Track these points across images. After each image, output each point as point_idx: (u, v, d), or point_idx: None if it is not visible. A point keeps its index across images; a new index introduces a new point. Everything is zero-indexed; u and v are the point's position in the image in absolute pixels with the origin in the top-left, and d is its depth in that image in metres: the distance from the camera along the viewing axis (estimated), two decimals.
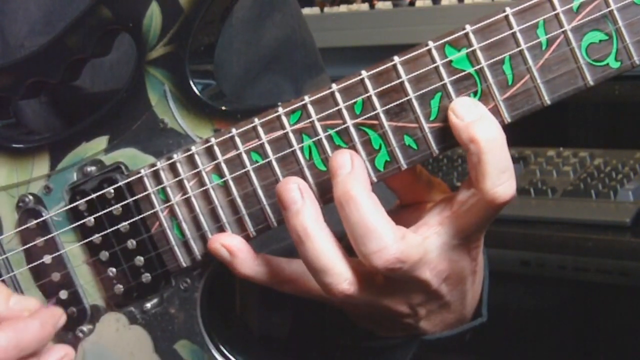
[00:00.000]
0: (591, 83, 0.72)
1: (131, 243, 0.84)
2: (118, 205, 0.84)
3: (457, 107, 0.73)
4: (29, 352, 0.79)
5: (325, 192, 0.78)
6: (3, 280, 0.88)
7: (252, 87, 1.05)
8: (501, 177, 0.71)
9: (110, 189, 0.84)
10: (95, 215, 0.84)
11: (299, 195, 0.74)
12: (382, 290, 0.77)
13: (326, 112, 0.77)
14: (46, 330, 0.81)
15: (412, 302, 0.78)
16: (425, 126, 0.75)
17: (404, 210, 0.83)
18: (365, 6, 1.92)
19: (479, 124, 0.72)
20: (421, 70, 0.75)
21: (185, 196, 0.82)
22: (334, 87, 0.77)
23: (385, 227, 0.72)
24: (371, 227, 0.72)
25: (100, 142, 0.85)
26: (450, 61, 0.74)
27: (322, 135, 0.77)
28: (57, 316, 0.83)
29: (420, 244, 0.74)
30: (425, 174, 0.81)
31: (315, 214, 0.74)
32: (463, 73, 0.74)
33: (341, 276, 0.74)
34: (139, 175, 0.83)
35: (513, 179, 0.72)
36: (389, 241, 0.72)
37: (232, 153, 0.80)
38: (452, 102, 0.73)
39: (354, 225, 0.72)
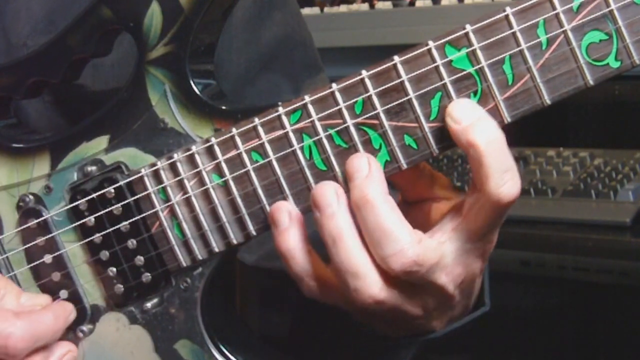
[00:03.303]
0: (591, 83, 0.72)
1: (131, 243, 0.84)
2: (118, 205, 0.84)
3: (454, 110, 0.73)
4: (43, 343, 0.81)
5: None
6: None
7: (251, 86, 1.05)
8: (504, 177, 0.72)
9: (111, 189, 0.84)
10: (95, 215, 0.85)
11: (335, 198, 0.74)
12: (404, 296, 0.77)
13: (326, 112, 0.77)
14: (59, 323, 0.83)
15: (427, 306, 0.79)
16: (426, 126, 0.75)
17: (408, 208, 0.83)
18: (365, 6, 1.92)
19: (477, 127, 0.72)
20: (421, 70, 0.75)
21: (186, 196, 0.82)
22: (334, 86, 0.77)
23: (402, 230, 0.73)
24: (388, 230, 0.72)
25: (101, 142, 0.85)
26: (451, 61, 0.74)
27: (322, 135, 0.77)
28: (69, 310, 0.85)
29: (436, 248, 0.74)
30: (428, 169, 0.81)
31: (350, 218, 0.74)
32: (463, 73, 0.74)
33: (372, 279, 0.74)
34: (139, 175, 0.83)
35: (516, 177, 0.73)
36: (406, 244, 0.72)
37: (233, 153, 0.80)
38: (449, 105, 0.73)
39: (372, 228, 0.73)
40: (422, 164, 0.80)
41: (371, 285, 0.74)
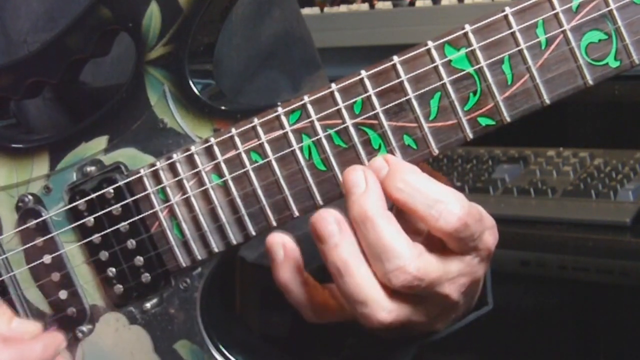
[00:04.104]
0: (590, 82, 0.72)
1: (131, 243, 0.84)
2: (118, 205, 0.84)
3: (372, 167, 0.74)
4: None
5: (325, 193, 0.78)
6: (2, 281, 0.88)
7: (250, 82, 1.05)
8: (435, 211, 0.72)
9: (110, 189, 0.84)
10: (94, 215, 0.84)
11: (336, 228, 0.74)
12: (410, 310, 0.77)
13: (325, 112, 0.77)
14: (48, 354, 0.81)
15: (431, 313, 0.79)
16: (425, 126, 0.75)
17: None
18: (365, 6, 1.92)
19: (387, 181, 0.73)
20: (420, 70, 0.75)
21: (185, 196, 0.82)
22: (334, 86, 0.77)
23: (402, 245, 0.73)
24: (388, 247, 0.72)
25: (100, 142, 0.85)
26: (450, 61, 0.74)
27: (321, 135, 0.77)
28: (59, 341, 0.83)
29: (437, 261, 0.74)
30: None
31: (354, 247, 0.74)
32: (462, 73, 0.74)
33: (380, 306, 0.74)
34: (138, 175, 0.83)
35: (451, 201, 0.72)
36: (407, 260, 0.72)
37: (232, 153, 0.80)
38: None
39: (372, 244, 0.73)
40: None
41: (379, 310, 0.74)
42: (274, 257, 0.77)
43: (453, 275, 0.75)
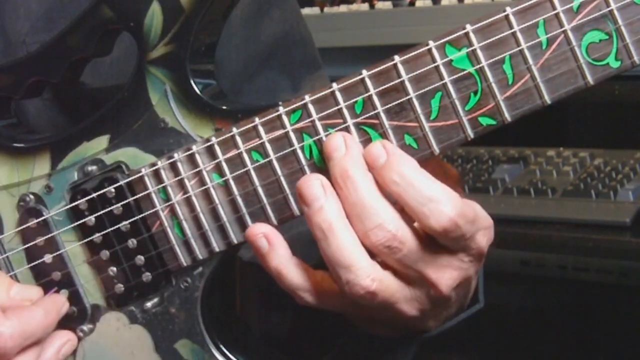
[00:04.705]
0: (591, 82, 0.73)
1: (132, 242, 0.84)
2: (119, 205, 0.84)
3: (370, 153, 0.74)
4: (34, 339, 0.80)
5: None
6: None
7: (250, 83, 1.06)
8: (426, 209, 0.72)
9: (111, 188, 0.84)
10: (95, 215, 0.85)
11: (322, 191, 0.74)
12: (398, 293, 0.77)
13: (327, 112, 0.77)
14: (50, 318, 0.82)
15: (424, 307, 0.79)
16: (426, 125, 0.75)
17: None
18: (365, 6, 1.92)
19: (383, 171, 0.73)
20: (421, 70, 0.75)
21: (186, 195, 0.82)
22: (335, 86, 0.77)
23: (382, 205, 0.73)
24: (368, 205, 0.73)
25: (101, 142, 0.85)
26: (451, 60, 0.74)
27: (322, 134, 0.77)
28: (60, 304, 0.84)
29: (422, 239, 0.74)
30: (436, 159, 0.81)
31: (339, 210, 0.74)
32: (463, 72, 0.74)
33: (364, 271, 0.74)
34: (139, 175, 0.83)
35: (442, 201, 0.72)
36: (387, 218, 0.73)
37: (233, 152, 0.80)
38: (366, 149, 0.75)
39: (353, 204, 0.73)
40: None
41: (363, 276, 0.74)
42: (259, 249, 0.77)
43: (441, 264, 0.76)
